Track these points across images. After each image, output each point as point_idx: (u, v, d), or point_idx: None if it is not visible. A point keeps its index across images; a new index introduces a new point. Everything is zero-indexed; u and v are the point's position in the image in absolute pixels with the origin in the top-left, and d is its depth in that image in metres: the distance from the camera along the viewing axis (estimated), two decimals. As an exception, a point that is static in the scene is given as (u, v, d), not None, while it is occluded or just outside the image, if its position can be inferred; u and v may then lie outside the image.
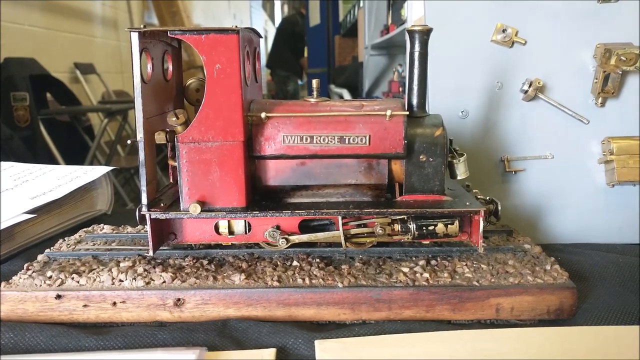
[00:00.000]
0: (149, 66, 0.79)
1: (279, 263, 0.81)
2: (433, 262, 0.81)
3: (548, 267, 0.78)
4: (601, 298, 0.78)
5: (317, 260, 0.81)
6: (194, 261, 0.82)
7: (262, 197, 0.81)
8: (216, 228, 0.80)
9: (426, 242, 0.83)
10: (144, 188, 0.76)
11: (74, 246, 0.91)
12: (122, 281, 0.77)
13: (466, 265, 0.79)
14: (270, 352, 0.66)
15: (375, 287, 0.74)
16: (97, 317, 0.75)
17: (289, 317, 0.75)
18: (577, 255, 0.94)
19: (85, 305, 0.75)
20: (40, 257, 0.86)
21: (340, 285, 0.75)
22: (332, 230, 0.80)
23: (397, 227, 0.78)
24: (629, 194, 1.03)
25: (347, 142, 0.77)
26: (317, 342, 0.67)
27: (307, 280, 0.76)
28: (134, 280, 0.77)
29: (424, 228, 0.77)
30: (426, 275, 0.76)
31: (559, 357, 0.64)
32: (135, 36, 0.73)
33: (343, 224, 0.78)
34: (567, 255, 0.94)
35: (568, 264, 0.88)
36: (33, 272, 0.80)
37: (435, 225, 0.77)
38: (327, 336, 0.69)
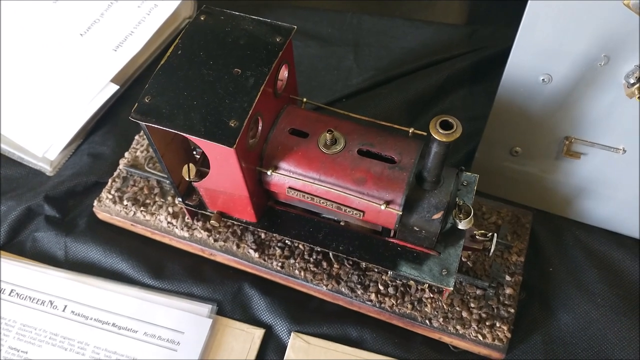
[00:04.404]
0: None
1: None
2: (408, 285, 0.94)
3: (497, 324, 0.91)
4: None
5: (315, 253, 0.98)
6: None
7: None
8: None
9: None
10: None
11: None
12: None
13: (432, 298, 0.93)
14: (260, 333, 0.96)
15: (351, 298, 0.95)
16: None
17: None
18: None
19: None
20: (121, 166, 1.09)
21: (324, 288, 0.95)
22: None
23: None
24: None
25: (343, 210, 0.83)
26: (292, 335, 0.95)
27: (302, 274, 0.96)
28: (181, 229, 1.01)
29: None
30: (392, 301, 0.93)
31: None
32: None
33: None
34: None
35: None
36: (115, 190, 1.06)
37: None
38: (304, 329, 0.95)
